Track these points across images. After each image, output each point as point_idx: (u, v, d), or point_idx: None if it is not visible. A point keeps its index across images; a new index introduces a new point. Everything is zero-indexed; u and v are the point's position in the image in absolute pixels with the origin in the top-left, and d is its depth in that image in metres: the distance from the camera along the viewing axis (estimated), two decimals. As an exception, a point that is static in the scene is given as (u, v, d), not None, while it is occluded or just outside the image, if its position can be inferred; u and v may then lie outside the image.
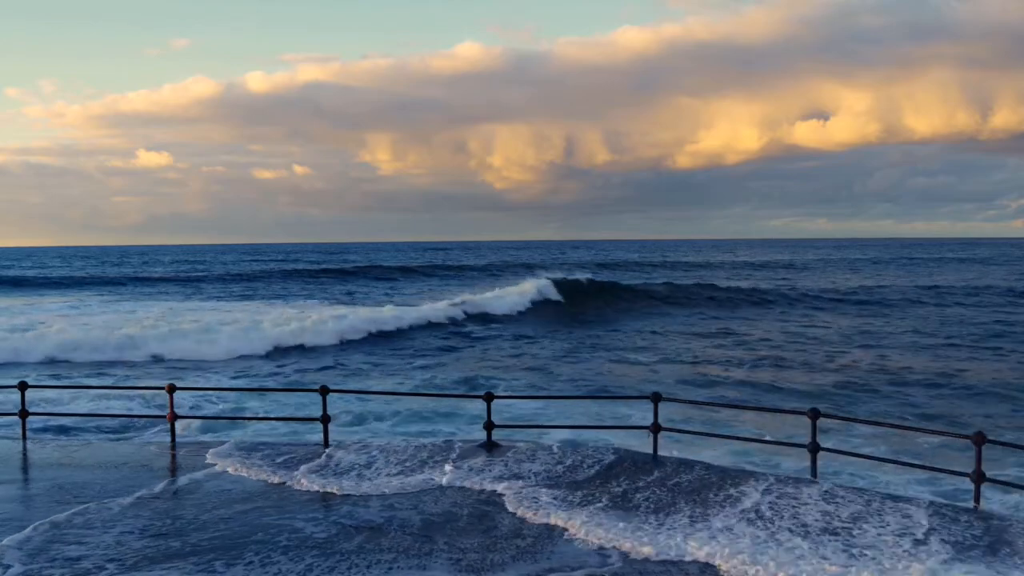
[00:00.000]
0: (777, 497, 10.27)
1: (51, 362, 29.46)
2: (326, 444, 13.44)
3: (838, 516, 9.52)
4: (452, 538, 9.23)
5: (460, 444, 13.35)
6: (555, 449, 12.94)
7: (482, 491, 11.00)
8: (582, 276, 59.19)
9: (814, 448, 11.31)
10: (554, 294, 49.84)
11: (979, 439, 9.87)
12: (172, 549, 8.90)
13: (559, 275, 56.84)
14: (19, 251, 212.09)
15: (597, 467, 11.84)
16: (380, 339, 36.90)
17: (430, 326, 40.72)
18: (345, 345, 35.15)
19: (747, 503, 10.11)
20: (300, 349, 33.61)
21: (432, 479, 11.53)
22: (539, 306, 47.65)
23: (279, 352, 32.75)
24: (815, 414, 11.24)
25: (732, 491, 10.55)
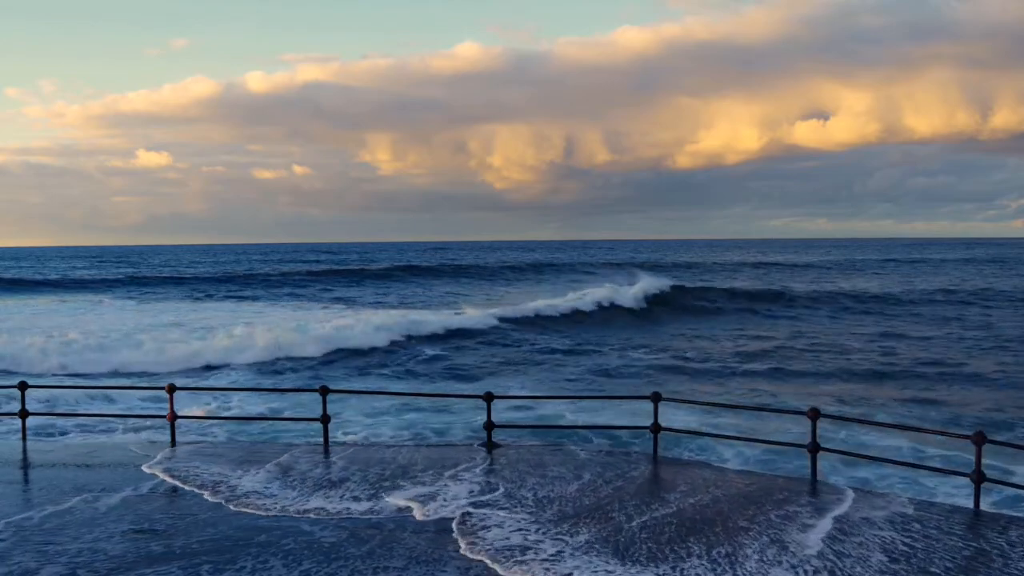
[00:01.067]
0: (838, 533, 8.81)
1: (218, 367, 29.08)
2: (326, 445, 13.42)
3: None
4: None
5: (461, 447, 13.32)
6: (562, 452, 12.90)
7: (443, 520, 9.48)
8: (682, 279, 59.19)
9: (814, 448, 11.29)
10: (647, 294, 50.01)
11: (979, 439, 9.83)
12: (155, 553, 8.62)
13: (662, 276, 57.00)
14: (22, 251, 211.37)
15: (611, 482, 10.95)
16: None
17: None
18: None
19: (799, 545, 8.43)
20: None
21: (401, 505, 10.12)
22: (655, 305, 48.09)
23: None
24: (815, 414, 11.22)
25: (772, 516, 9.39)
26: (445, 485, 10.98)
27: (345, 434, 17.29)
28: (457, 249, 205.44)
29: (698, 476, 11.36)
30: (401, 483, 11.14)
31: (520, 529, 9.15)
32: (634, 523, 9.35)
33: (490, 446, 12.93)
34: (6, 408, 17.71)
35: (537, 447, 13.41)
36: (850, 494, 10.42)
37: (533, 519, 9.50)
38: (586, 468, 11.69)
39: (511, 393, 22.92)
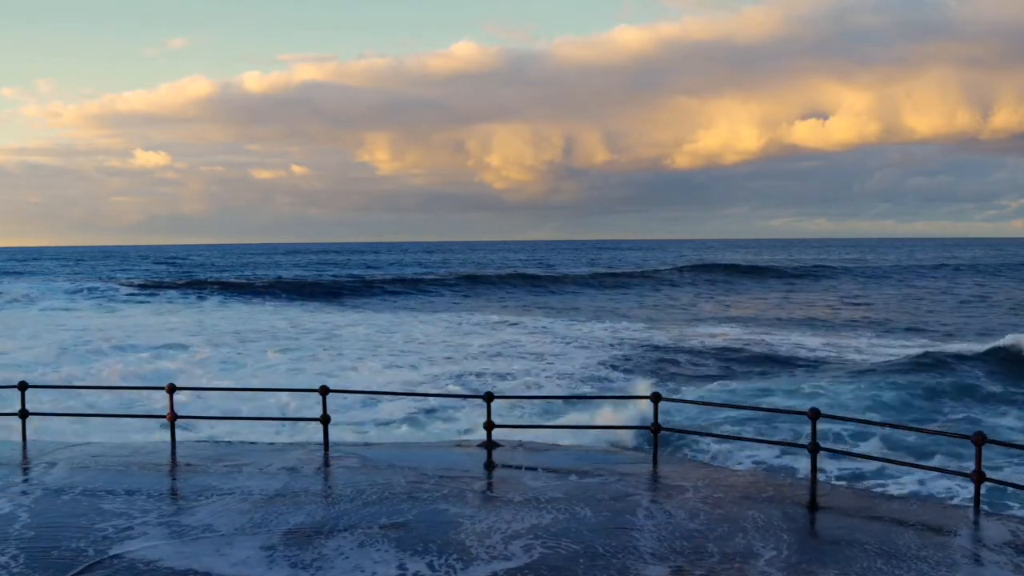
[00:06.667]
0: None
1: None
2: (326, 447, 13.39)
3: None
4: None
5: (459, 449, 13.28)
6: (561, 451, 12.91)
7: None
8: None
9: (814, 448, 11.29)
10: None
11: (979, 439, 9.83)
12: None
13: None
14: (25, 251, 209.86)
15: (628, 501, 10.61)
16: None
17: None
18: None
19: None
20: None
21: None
22: None
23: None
24: (815, 414, 11.22)
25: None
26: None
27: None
28: (592, 249, 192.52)
29: (698, 475, 11.37)
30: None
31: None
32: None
33: (489, 445, 12.98)
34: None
35: (531, 446, 13.46)
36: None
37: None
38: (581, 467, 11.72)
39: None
